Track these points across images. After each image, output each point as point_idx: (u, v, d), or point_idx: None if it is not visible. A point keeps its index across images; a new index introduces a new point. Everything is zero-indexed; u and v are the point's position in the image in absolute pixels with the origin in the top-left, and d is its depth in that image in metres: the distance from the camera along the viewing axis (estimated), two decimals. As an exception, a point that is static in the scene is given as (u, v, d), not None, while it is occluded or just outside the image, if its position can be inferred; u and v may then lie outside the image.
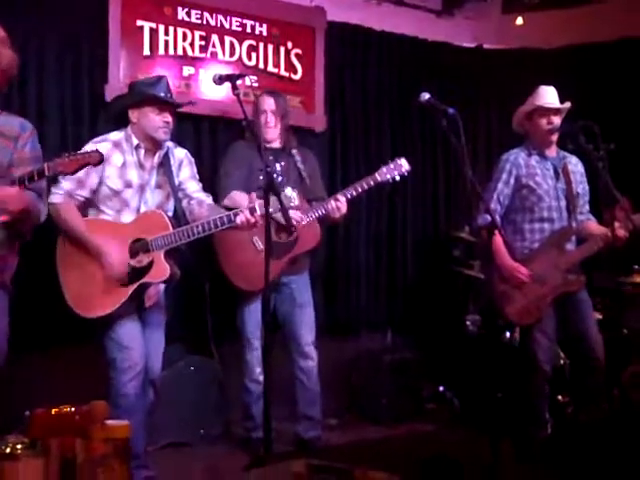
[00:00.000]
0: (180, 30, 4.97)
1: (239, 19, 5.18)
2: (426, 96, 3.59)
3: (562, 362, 4.75)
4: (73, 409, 2.64)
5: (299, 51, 5.40)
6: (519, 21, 6.07)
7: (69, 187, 3.62)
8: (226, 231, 4.10)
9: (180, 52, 4.97)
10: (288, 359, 4.44)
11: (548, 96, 4.37)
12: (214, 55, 5.09)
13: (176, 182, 3.85)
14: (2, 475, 2.44)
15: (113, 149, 3.71)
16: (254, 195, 3.73)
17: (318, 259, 4.86)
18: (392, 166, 4.33)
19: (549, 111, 4.33)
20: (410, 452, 4.20)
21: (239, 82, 3.61)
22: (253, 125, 4.18)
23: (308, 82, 5.43)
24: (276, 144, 4.46)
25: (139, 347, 3.65)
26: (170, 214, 3.78)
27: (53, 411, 2.64)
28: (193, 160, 4.01)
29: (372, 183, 4.33)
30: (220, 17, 5.11)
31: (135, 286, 3.59)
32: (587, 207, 4.50)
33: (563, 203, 4.34)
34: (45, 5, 4.47)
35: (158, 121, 3.72)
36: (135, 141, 3.76)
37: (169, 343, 3.98)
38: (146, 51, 4.83)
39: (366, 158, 5.71)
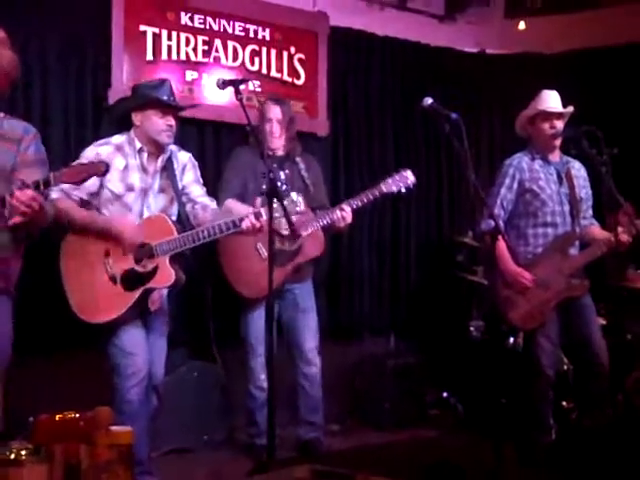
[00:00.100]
0: (183, 35, 4.97)
1: (242, 24, 5.19)
2: (429, 101, 3.60)
3: (566, 368, 4.74)
4: (77, 415, 2.63)
5: (302, 56, 5.40)
6: (521, 26, 6.08)
7: (66, 186, 3.54)
8: (230, 237, 4.11)
9: (183, 57, 4.97)
10: (291, 365, 4.43)
11: (551, 100, 4.37)
12: (217, 60, 5.09)
13: (180, 186, 3.83)
14: (6, 481, 2.44)
15: (115, 152, 3.70)
16: (259, 200, 3.72)
17: (322, 263, 4.84)
18: (397, 178, 4.32)
19: (552, 115, 4.33)
20: (413, 458, 4.21)
21: (242, 87, 3.62)
22: (257, 131, 4.17)
23: (311, 87, 5.44)
24: (280, 152, 4.45)
25: (143, 353, 3.63)
26: (174, 218, 3.77)
27: (57, 417, 2.62)
28: (197, 164, 4.00)
29: (377, 194, 4.31)
30: (223, 22, 5.12)
31: (140, 291, 3.58)
32: (590, 212, 4.49)
33: (566, 208, 4.33)
34: (48, 8, 4.47)
35: (161, 124, 3.70)
36: (138, 144, 3.74)
37: (172, 348, 3.98)
38: (149, 56, 4.83)
39: (369, 163, 5.72)
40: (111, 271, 3.60)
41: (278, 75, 5.32)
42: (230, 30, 5.15)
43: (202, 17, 5.04)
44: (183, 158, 3.91)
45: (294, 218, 3.52)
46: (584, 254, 4.34)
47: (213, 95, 4.99)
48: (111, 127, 4.22)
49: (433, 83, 5.63)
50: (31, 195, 2.83)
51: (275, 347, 3.50)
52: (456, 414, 5.28)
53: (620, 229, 4.20)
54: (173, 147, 3.87)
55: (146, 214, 3.73)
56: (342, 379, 5.30)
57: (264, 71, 5.27)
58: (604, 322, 4.82)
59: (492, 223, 4.01)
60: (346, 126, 5.66)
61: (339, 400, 5.11)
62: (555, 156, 4.41)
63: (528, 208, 4.35)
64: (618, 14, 5.81)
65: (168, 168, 3.81)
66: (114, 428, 2.63)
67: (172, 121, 3.73)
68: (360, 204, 4.31)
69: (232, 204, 4.23)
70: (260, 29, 5.26)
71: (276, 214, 3.39)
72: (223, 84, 3.65)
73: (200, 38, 5.03)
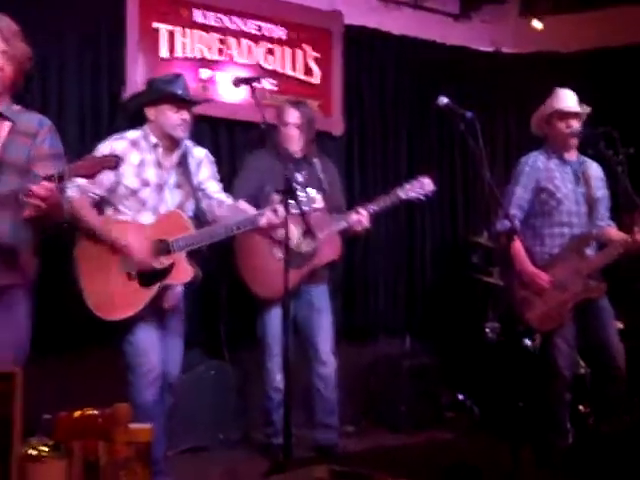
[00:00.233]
0: (197, 32, 4.96)
1: (256, 22, 5.18)
2: (444, 100, 3.59)
3: (583, 371, 4.70)
4: (96, 412, 2.62)
5: (317, 55, 5.39)
6: (537, 25, 6.04)
7: (82, 182, 3.53)
8: (246, 237, 4.12)
9: (197, 55, 4.96)
10: (307, 365, 4.40)
11: (568, 99, 4.34)
12: (231, 58, 5.08)
13: (195, 182, 3.81)
14: (26, 476, 2.43)
15: (130, 147, 3.68)
16: (276, 197, 3.71)
17: (337, 263, 4.82)
18: (416, 185, 4.31)
19: (568, 114, 4.30)
20: (429, 459, 4.19)
21: (257, 85, 3.60)
22: (272, 130, 4.15)
23: (325, 86, 5.42)
24: (298, 154, 4.41)
25: (157, 352, 3.62)
26: (190, 214, 3.75)
27: (76, 414, 2.62)
28: (213, 160, 3.97)
29: (396, 200, 4.30)
30: (237, 20, 5.11)
31: (156, 288, 3.56)
32: (607, 213, 4.46)
33: (583, 208, 4.31)
34: (64, 5, 4.47)
35: (176, 119, 3.67)
36: (153, 139, 3.71)
37: (189, 347, 3.96)
38: (163, 53, 4.83)
39: (383, 162, 5.71)
40: (127, 268, 3.58)
41: (292, 74, 5.31)
42: (244, 28, 5.15)
43: (216, 15, 5.03)
44: (199, 154, 3.89)
45: (310, 216, 3.51)
46: (601, 255, 4.31)
47: (227, 93, 4.99)
48: (126, 123, 4.16)
49: (448, 82, 5.59)
50: (47, 188, 2.82)
51: (291, 348, 3.49)
52: (472, 416, 5.25)
53: (637, 229, 4.18)
54: (188, 143, 3.84)
55: (162, 209, 3.70)
56: (357, 380, 5.28)
57: (279, 69, 5.26)
58: (621, 326, 4.76)
59: (508, 223, 4.02)
60: (361, 125, 5.64)
61: (354, 401, 5.08)
62: (572, 155, 4.39)
63: (544, 207, 4.32)
64: (635, 13, 5.77)
65: (183, 164, 3.79)
66: (133, 425, 2.62)
67: (187, 115, 3.71)
68: (377, 209, 4.30)
69: (242, 205, 4.21)
70: (275, 27, 5.25)
71: (293, 210, 3.37)
72: (238, 82, 3.66)
73: (215, 36, 5.02)
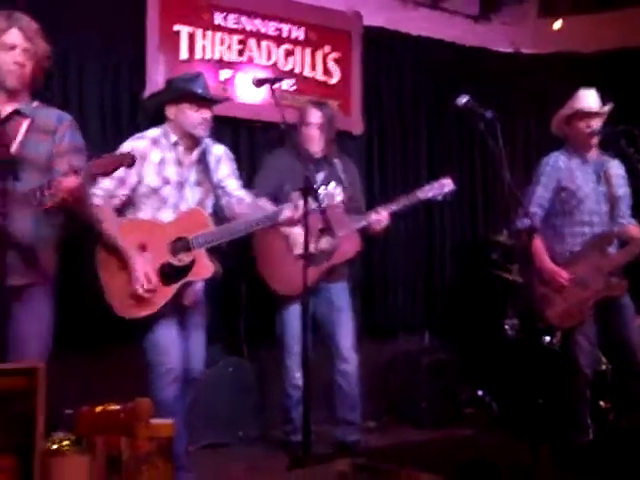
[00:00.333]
0: (217, 34, 5.00)
1: (276, 24, 5.21)
2: (464, 99, 3.59)
3: (604, 367, 4.70)
4: (118, 407, 2.65)
5: (336, 55, 5.41)
6: (557, 25, 6.03)
7: (110, 186, 3.58)
8: (265, 234, 4.14)
9: (217, 56, 5.00)
10: (327, 362, 4.41)
11: (589, 99, 4.33)
12: (251, 59, 5.11)
13: (215, 179, 3.83)
14: (49, 471, 2.45)
15: (151, 146, 3.69)
16: (296, 194, 3.72)
17: (356, 259, 4.83)
18: (436, 185, 4.31)
19: (589, 114, 4.29)
20: (448, 455, 4.19)
21: (277, 85, 3.61)
22: (292, 130, 4.17)
23: (345, 86, 5.44)
24: (318, 154, 4.42)
25: (177, 350, 3.62)
26: (209, 211, 3.78)
27: (98, 409, 2.65)
28: (233, 157, 3.99)
29: (415, 200, 4.30)
30: (257, 21, 5.14)
31: (178, 285, 3.58)
32: (628, 210, 4.45)
33: (604, 206, 4.30)
34: (85, 7, 4.50)
35: (197, 117, 3.68)
36: (173, 138, 3.72)
37: (209, 344, 3.95)
38: (183, 55, 4.86)
39: (403, 161, 5.72)
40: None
41: (312, 75, 5.33)
42: (264, 30, 5.17)
43: (236, 16, 5.07)
44: (218, 151, 3.90)
45: (330, 213, 3.52)
46: (623, 253, 4.31)
47: (247, 94, 5.02)
48: (146, 121, 4.16)
49: (467, 83, 5.56)
50: (72, 181, 2.86)
51: (310, 345, 3.50)
52: (491, 413, 5.25)
53: (658, 227, 4.18)
54: (207, 140, 3.85)
55: (183, 207, 3.72)
56: (377, 377, 5.28)
57: (298, 70, 5.28)
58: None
59: (528, 221, 4.04)
60: (380, 125, 5.65)
61: (374, 398, 5.08)
62: (593, 155, 4.38)
63: (564, 207, 4.32)
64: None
65: (203, 161, 3.80)
66: (154, 421, 2.64)
67: (207, 114, 3.71)
68: (397, 208, 4.30)
69: (261, 202, 4.24)
70: (294, 29, 5.28)
71: (312, 208, 3.39)
72: (258, 82, 3.67)
73: (234, 38, 5.05)
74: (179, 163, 3.74)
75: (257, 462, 4.26)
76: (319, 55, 5.36)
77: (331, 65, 5.40)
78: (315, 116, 4.40)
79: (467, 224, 6.03)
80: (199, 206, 3.75)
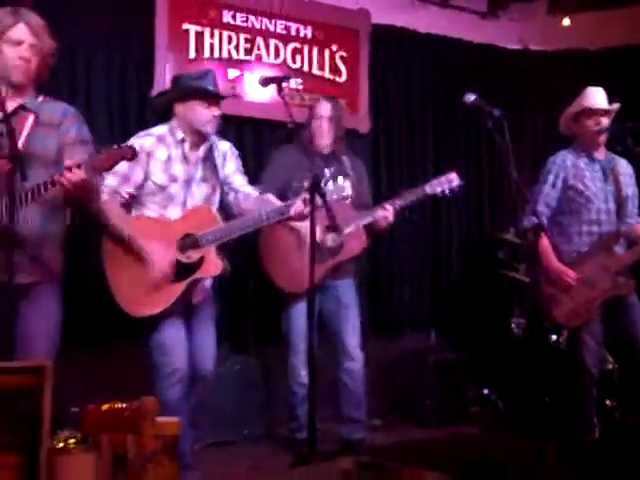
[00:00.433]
0: (225, 33, 5.01)
1: (284, 22, 5.22)
2: (471, 97, 3.57)
3: (610, 366, 4.70)
4: (124, 405, 2.65)
5: (344, 53, 5.42)
6: (566, 22, 6.01)
7: (114, 183, 3.57)
8: (271, 231, 4.14)
9: (225, 55, 5.01)
10: (332, 360, 4.41)
11: (596, 97, 4.32)
12: (259, 58, 5.12)
13: (221, 175, 3.83)
14: (55, 469, 2.44)
15: (157, 143, 3.68)
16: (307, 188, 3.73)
17: (363, 257, 4.83)
18: (443, 179, 4.31)
19: (597, 112, 4.29)
20: (454, 454, 4.18)
21: (284, 84, 3.61)
22: (299, 129, 4.17)
23: (352, 84, 5.44)
24: (326, 150, 4.43)
25: (183, 351, 3.62)
26: (216, 207, 3.78)
27: (104, 407, 2.65)
28: (238, 153, 3.99)
29: (421, 195, 4.30)
30: (265, 20, 5.15)
31: (187, 283, 3.57)
32: (636, 210, 4.44)
33: (612, 205, 4.29)
34: (94, 6, 4.52)
35: (206, 114, 3.67)
36: (180, 135, 3.71)
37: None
38: (192, 54, 4.88)
39: (410, 159, 5.73)
40: None
41: (320, 73, 5.34)
42: (272, 28, 5.19)
43: (244, 15, 5.08)
44: (223, 147, 3.89)
45: (337, 210, 3.52)
46: (630, 252, 4.30)
47: (255, 93, 5.03)
48: (155, 119, 4.17)
49: (475, 80, 5.58)
50: (76, 174, 2.88)
51: (316, 343, 3.50)
52: (497, 411, 5.26)
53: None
54: (213, 137, 3.84)
55: (190, 204, 3.71)
56: (383, 375, 5.27)
57: (306, 69, 5.29)
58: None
59: (535, 220, 4.04)
60: (387, 123, 5.66)
61: (380, 396, 5.08)
62: (600, 153, 4.37)
63: (572, 206, 4.32)
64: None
65: (209, 157, 3.80)
66: (160, 419, 2.65)
67: (217, 111, 3.70)
68: (403, 204, 4.30)
69: (268, 198, 4.24)
70: (302, 27, 5.29)
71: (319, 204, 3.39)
72: (265, 81, 3.65)
73: (242, 36, 5.07)
74: (185, 160, 3.73)
75: (262, 460, 4.27)
76: (327, 53, 5.37)
77: (339, 63, 5.40)
78: (325, 108, 4.41)
79: (473, 222, 6.03)
80: (206, 203, 3.75)
